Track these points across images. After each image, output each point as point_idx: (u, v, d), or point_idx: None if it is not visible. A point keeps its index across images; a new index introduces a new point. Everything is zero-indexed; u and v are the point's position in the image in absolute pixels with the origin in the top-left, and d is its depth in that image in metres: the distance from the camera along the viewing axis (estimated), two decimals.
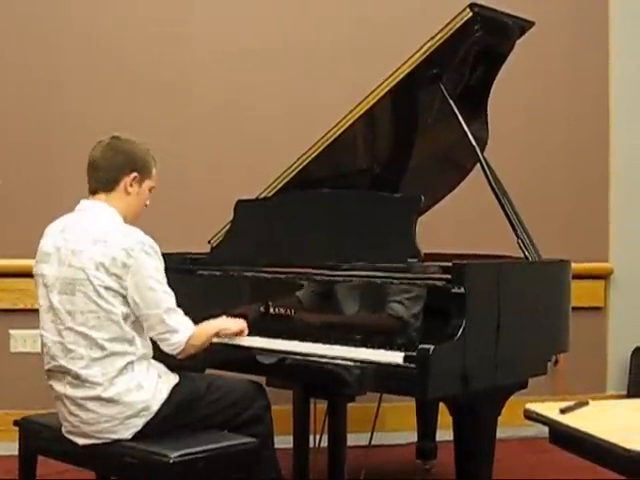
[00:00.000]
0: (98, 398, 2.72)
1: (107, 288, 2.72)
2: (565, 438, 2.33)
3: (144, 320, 2.79)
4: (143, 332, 2.82)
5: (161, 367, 2.88)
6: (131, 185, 2.89)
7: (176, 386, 2.86)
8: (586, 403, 2.51)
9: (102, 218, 2.83)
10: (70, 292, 2.74)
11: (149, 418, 2.77)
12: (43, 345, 2.86)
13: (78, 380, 2.74)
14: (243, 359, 3.15)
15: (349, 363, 2.86)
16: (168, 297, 2.81)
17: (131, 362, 2.76)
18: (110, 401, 2.73)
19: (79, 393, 2.75)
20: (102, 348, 2.72)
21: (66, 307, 2.76)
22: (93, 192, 2.90)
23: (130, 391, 2.74)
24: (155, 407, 2.77)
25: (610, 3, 5.20)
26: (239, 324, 3.12)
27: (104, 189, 2.88)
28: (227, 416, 2.94)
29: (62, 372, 2.78)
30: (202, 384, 2.95)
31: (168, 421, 2.80)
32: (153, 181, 2.97)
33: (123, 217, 2.88)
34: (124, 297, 2.74)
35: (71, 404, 2.78)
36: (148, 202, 2.99)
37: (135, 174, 2.90)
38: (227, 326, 3.08)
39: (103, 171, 2.88)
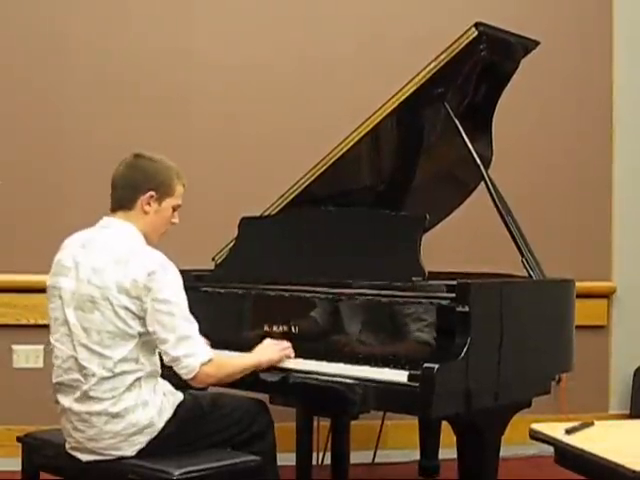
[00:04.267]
0: (105, 413, 2.72)
1: (127, 309, 2.70)
2: (571, 459, 2.32)
3: (160, 343, 2.75)
4: (150, 351, 2.80)
5: (167, 386, 2.87)
6: (148, 204, 2.86)
7: (180, 404, 2.85)
8: (591, 423, 2.51)
9: (124, 237, 2.82)
10: (88, 310, 2.72)
11: (153, 436, 2.76)
12: (55, 357, 2.83)
13: (86, 395, 2.74)
14: (246, 377, 3.14)
15: (353, 381, 2.86)
16: (186, 324, 2.75)
17: (139, 379, 2.75)
18: (116, 417, 2.72)
19: (85, 408, 2.74)
20: (113, 367, 2.71)
21: (83, 324, 2.74)
22: (113, 210, 2.89)
23: (136, 407, 2.73)
24: (160, 425, 2.77)
25: (614, 21, 5.21)
26: (282, 351, 3.06)
27: (123, 208, 2.86)
28: (231, 433, 2.94)
29: (72, 387, 2.77)
30: (206, 402, 2.95)
31: (172, 439, 2.80)
32: (176, 199, 2.92)
33: (144, 236, 2.86)
34: (142, 319, 2.72)
35: (76, 419, 2.77)
36: (176, 220, 2.95)
37: (152, 192, 2.86)
38: (268, 358, 3.02)
39: (121, 190, 2.87)
